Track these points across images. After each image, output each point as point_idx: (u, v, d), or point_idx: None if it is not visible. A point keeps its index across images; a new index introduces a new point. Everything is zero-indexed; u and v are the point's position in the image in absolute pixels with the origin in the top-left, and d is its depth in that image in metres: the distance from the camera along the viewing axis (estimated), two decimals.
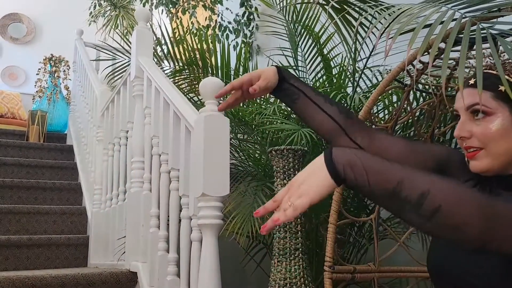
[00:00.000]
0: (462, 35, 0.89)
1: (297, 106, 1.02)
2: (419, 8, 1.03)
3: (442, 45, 1.18)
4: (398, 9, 1.14)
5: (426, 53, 1.28)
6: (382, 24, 1.11)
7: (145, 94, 2.03)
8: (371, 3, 1.27)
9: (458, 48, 0.96)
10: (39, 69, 4.37)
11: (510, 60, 0.86)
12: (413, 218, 0.67)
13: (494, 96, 0.83)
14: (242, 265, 2.40)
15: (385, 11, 1.19)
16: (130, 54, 2.43)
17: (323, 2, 1.38)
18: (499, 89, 0.83)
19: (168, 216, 1.72)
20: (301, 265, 1.45)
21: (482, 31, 0.87)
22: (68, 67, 4.41)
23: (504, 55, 0.88)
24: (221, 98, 1.30)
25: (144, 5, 4.11)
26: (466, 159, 0.89)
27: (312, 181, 0.69)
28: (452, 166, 0.94)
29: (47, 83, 4.35)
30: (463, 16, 0.93)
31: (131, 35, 2.40)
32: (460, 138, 0.86)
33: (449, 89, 1.50)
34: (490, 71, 0.86)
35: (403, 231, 1.83)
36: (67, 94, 4.45)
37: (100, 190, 2.66)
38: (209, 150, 1.39)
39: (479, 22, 0.90)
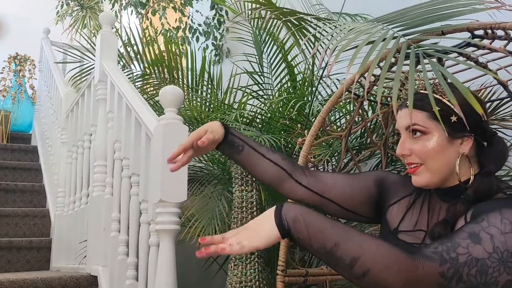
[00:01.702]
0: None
1: (242, 157, 1.07)
2: (364, 26, 1.09)
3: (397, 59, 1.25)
4: (349, 25, 1.20)
5: (376, 67, 1.36)
6: (332, 36, 1.17)
7: (109, 99, 2.04)
8: (325, 20, 1.33)
9: (407, 61, 1.03)
10: (3, 67, 4.28)
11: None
12: (345, 275, 0.76)
13: (430, 116, 0.90)
14: (204, 268, 2.43)
15: (337, 27, 1.25)
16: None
17: (282, 18, 1.43)
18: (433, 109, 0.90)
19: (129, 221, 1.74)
20: (256, 269, 1.50)
21: (416, 52, 0.94)
22: (33, 66, 4.34)
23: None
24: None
25: (113, 5, 4.09)
26: (408, 174, 0.97)
27: (261, 229, 0.78)
28: (389, 186, 1.05)
29: (11, 82, 4.26)
30: (400, 37, 1.00)
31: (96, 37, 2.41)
32: (402, 156, 0.94)
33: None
34: (425, 92, 0.92)
35: None
36: (32, 93, 4.37)
37: (63, 193, 2.65)
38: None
39: (414, 44, 0.96)
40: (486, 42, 1.22)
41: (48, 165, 3.22)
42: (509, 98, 1.41)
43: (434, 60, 1.24)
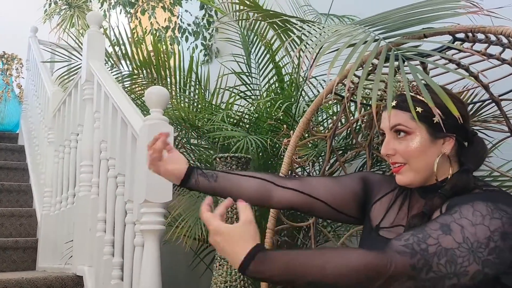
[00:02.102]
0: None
1: (220, 183, 1.06)
2: (346, 29, 1.11)
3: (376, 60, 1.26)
4: (332, 28, 1.21)
5: (360, 68, 1.37)
6: (316, 37, 1.18)
7: (95, 99, 2.04)
8: (309, 22, 1.34)
9: (387, 63, 1.04)
10: None
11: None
12: None
13: (413, 117, 0.92)
14: (192, 267, 2.44)
15: (320, 29, 1.26)
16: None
17: (268, 19, 1.44)
18: (417, 110, 0.92)
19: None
20: None
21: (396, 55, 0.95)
22: (21, 65, 4.30)
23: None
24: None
25: (102, 5, 4.07)
26: (392, 174, 0.99)
27: (220, 250, 0.78)
28: (373, 185, 1.07)
29: None
30: (381, 40, 1.01)
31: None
32: (386, 156, 0.96)
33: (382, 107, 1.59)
34: (411, 93, 0.94)
35: (344, 233, 1.92)
36: (20, 92, 4.34)
37: (50, 193, 2.63)
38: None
39: (395, 47, 0.98)
40: (467, 45, 1.24)
41: (35, 165, 3.20)
42: (490, 100, 1.43)
43: (416, 62, 1.26)
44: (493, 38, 1.16)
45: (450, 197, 0.88)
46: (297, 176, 1.47)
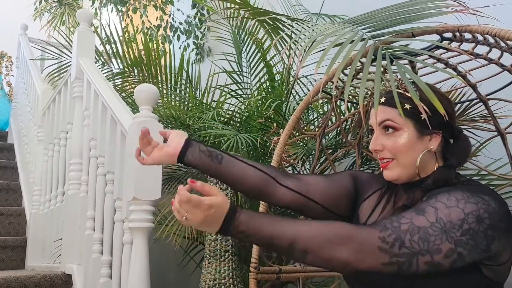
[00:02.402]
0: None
1: (224, 166, 1.02)
2: (333, 28, 1.11)
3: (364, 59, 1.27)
4: (321, 26, 1.22)
5: (349, 67, 1.38)
6: (305, 35, 1.18)
7: (85, 96, 2.03)
8: (298, 20, 1.35)
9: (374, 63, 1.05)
10: None
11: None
12: (290, 257, 0.81)
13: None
14: (182, 265, 2.44)
15: (309, 27, 1.27)
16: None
17: (257, 17, 1.44)
18: (405, 107, 0.93)
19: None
20: (230, 266, 1.51)
21: (383, 54, 0.96)
22: (11, 63, 4.27)
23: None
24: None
25: (93, 3, 4.04)
26: (380, 172, 1.00)
27: (210, 221, 0.80)
28: (363, 183, 1.08)
29: None
30: (368, 38, 1.02)
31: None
32: (375, 151, 0.96)
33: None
34: (397, 90, 0.95)
35: None
36: (9, 90, 4.30)
37: (39, 191, 2.61)
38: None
39: (383, 46, 0.99)
40: (455, 44, 1.25)
41: (24, 163, 3.17)
42: (478, 100, 1.45)
43: (405, 61, 1.27)
44: (480, 37, 1.17)
45: (432, 190, 0.90)
46: (296, 174, 1.48)
